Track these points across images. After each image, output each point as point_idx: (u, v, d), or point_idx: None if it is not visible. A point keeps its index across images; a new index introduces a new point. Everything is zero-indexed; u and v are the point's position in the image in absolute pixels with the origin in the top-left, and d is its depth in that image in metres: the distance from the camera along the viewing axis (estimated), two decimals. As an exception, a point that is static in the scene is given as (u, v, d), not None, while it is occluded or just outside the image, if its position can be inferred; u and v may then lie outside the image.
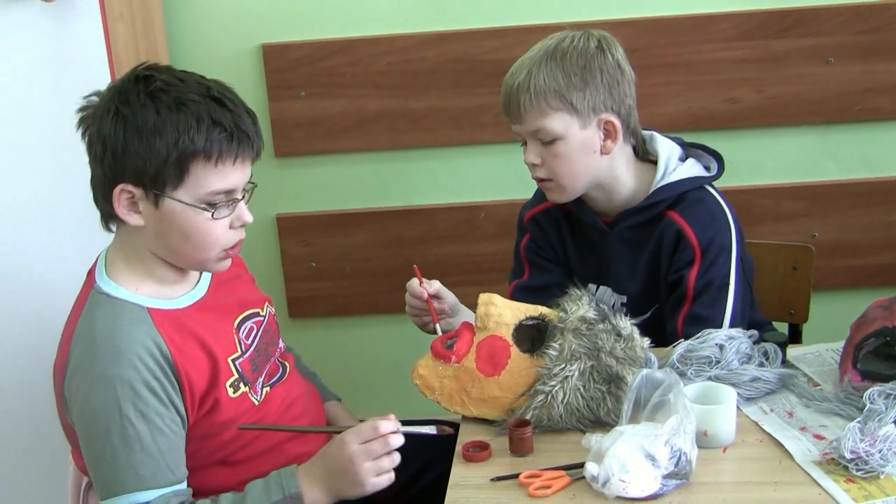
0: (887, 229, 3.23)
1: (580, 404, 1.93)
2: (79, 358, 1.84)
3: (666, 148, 2.30)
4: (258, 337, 2.01)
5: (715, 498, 1.72)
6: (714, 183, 2.32)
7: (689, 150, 2.36)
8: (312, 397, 2.13)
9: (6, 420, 2.75)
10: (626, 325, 2.00)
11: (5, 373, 2.73)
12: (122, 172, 1.82)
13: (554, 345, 1.96)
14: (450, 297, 2.30)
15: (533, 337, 2.05)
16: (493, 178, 3.27)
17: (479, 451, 1.89)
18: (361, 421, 1.89)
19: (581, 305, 2.00)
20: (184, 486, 1.86)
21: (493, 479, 1.82)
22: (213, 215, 1.85)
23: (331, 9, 3.19)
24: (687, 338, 2.09)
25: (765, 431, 1.90)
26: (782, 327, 2.56)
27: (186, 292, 1.95)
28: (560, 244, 2.41)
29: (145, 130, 1.79)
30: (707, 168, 2.33)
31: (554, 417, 1.93)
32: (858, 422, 1.79)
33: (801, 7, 3.08)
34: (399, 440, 1.84)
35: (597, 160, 2.23)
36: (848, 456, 1.74)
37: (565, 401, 1.92)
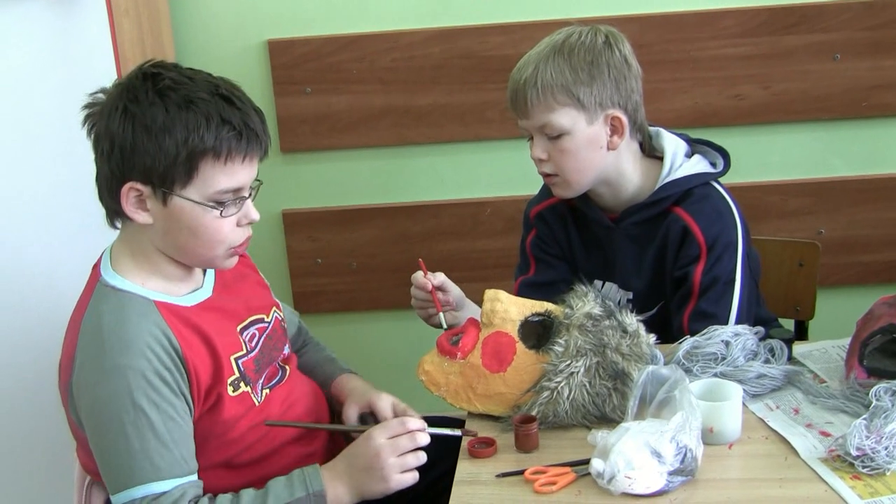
0: (894, 226, 3.23)
1: (586, 401, 1.93)
2: (87, 350, 1.83)
3: (672, 144, 2.30)
4: (261, 342, 2.01)
5: (720, 494, 1.72)
6: (720, 179, 2.31)
7: (695, 146, 2.36)
8: (315, 397, 2.12)
9: (9, 417, 2.76)
10: (632, 321, 2.00)
11: (8, 369, 2.73)
12: (131, 170, 1.81)
13: (560, 341, 1.96)
14: (455, 289, 2.30)
15: (538, 333, 2.05)
16: (498, 174, 3.27)
17: (484, 448, 1.89)
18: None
19: (587, 302, 2.00)
20: (196, 477, 1.85)
21: (498, 476, 1.82)
22: (221, 213, 1.85)
23: (337, 4, 3.19)
24: (693, 334, 2.09)
25: (770, 428, 1.90)
26: (788, 324, 2.56)
27: (191, 291, 1.95)
28: (566, 240, 2.41)
29: (154, 128, 1.79)
30: (713, 164, 2.32)
31: (559, 414, 1.93)
32: (864, 419, 1.78)
33: (808, 3, 3.08)
34: (426, 439, 1.85)
35: (603, 156, 2.23)
36: (854, 453, 1.73)
37: (571, 397, 1.92)
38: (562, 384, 1.92)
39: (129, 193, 1.83)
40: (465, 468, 1.86)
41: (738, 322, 2.18)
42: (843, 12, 3.06)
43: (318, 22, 3.20)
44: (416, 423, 1.87)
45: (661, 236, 2.27)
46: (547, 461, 1.83)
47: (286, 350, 2.11)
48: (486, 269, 3.26)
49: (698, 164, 2.29)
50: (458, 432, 1.92)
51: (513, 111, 2.26)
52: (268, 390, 2.00)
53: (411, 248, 3.31)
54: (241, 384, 1.93)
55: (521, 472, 1.81)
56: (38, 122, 2.68)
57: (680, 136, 2.34)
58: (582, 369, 1.93)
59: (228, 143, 1.81)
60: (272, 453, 1.97)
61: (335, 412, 2.17)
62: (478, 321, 2.06)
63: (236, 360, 1.93)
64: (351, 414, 2.06)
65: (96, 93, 1.90)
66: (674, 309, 2.26)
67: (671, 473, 1.71)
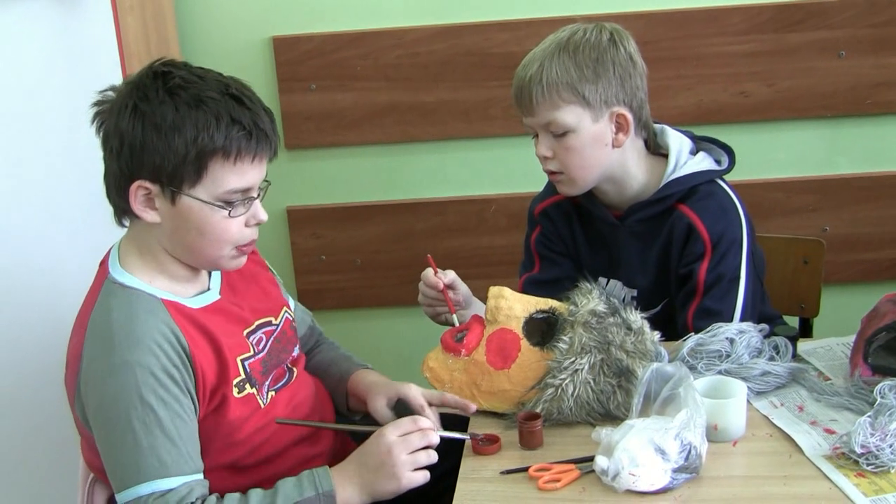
0: (898, 223, 3.23)
1: (590, 398, 1.93)
2: (95, 346, 1.83)
3: (677, 141, 2.30)
4: (269, 345, 2.01)
5: (725, 492, 1.72)
6: (725, 176, 2.31)
7: (700, 143, 2.36)
8: (320, 399, 2.12)
9: (14, 414, 2.76)
10: (637, 318, 2.00)
11: (12, 366, 2.73)
12: (140, 169, 1.81)
13: (564, 338, 1.96)
14: (463, 287, 2.30)
15: (543, 330, 2.05)
16: (503, 171, 3.27)
17: (488, 444, 1.90)
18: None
19: (591, 299, 2.00)
20: (202, 476, 1.84)
21: (502, 473, 1.82)
22: (229, 213, 1.84)
23: (342, 1, 3.19)
24: (697, 331, 2.09)
25: (775, 425, 1.90)
26: (793, 321, 2.56)
27: (197, 293, 1.94)
28: (570, 237, 2.41)
29: (164, 127, 1.79)
30: (718, 162, 2.32)
31: (564, 411, 1.93)
32: (869, 416, 1.78)
33: (813, 0, 3.07)
34: (437, 437, 1.85)
35: (608, 153, 2.23)
36: (858, 450, 1.73)
37: (575, 394, 1.92)
38: (566, 381, 1.92)
39: (138, 192, 1.83)
40: (469, 465, 1.86)
41: (742, 319, 2.18)
42: (847, 9, 3.06)
43: (323, 18, 3.20)
44: (427, 422, 1.87)
45: (665, 233, 2.27)
46: (551, 458, 1.84)
47: (295, 352, 2.10)
48: (491, 266, 3.25)
49: (703, 162, 2.29)
50: (465, 436, 1.92)
51: (518, 109, 2.26)
52: (273, 392, 1.99)
53: (416, 244, 3.31)
54: (247, 386, 1.92)
55: (525, 469, 1.81)
56: (42, 119, 2.68)
57: (685, 133, 2.34)
58: (586, 366, 1.93)
59: (238, 142, 1.81)
60: (277, 455, 1.97)
61: (341, 412, 2.16)
62: (482, 318, 2.07)
63: (243, 361, 1.92)
64: (378, 406, 2.04)
65: (106, 90, 1.90)
66: (678, 306, 2.26)
67: (675, 470, 1.71)
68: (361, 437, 1.92)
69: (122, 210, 1.89)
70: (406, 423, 1.87)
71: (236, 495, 1.82)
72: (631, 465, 1.70)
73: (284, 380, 2.04)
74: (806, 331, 2.63)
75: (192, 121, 1.79)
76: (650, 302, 2.25)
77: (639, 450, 1.70)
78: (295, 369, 2.08)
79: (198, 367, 1.84)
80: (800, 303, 2.63)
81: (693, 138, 2.35)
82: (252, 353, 1.95)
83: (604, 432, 1.77)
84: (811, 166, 3.22)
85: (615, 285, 2.34)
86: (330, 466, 1.87)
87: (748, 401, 1.91)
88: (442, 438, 1.89)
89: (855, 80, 3.12)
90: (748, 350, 2.04)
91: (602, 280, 2.34)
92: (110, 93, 1.88)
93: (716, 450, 1.80)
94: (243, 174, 1.83)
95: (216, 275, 2.00)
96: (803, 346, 2.15)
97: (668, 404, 1.79)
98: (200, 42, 3.23)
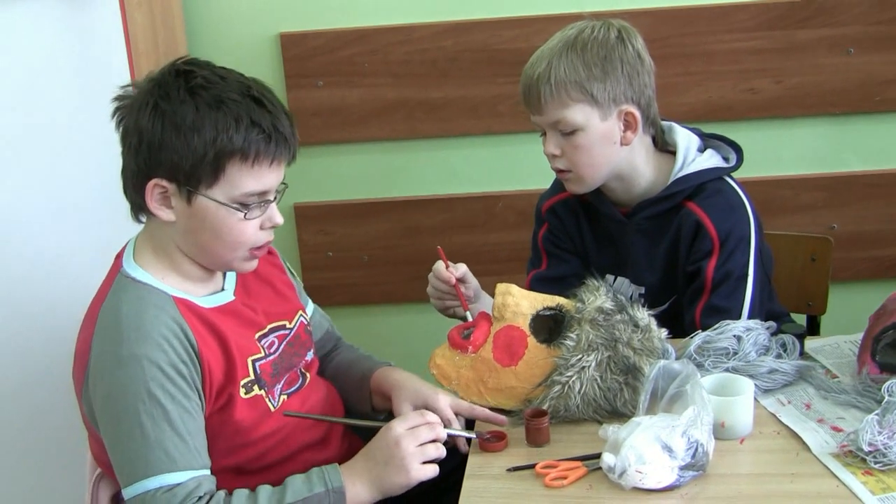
0: (907, 221, 3.22)
1: (597, 395, 1.93)
2: (104, 339, 1.83)
3: (685, 138, 2.29)
4: (281, 348, 2.01)
5: (731, 489, 1.72)
6: (733, 174, 2.31)
7: (708, 140, 2.35)
8: (331, 404, 2.11)
9: (23, 408, 2.76)
10: (644, 315, 2.00)
11: (21, 360, 2.74)
12: (157, 167, 1.81)
13: (571, 335, 1.96)
14: (474, 281, 2.29)
15: (550, 327, 2.05)
16: (511, 167, 3.27)
17: (495, 441, 1.90)
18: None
19: (598, 296, 2.00)
20: (209, 472, 1.84)
21: (509, 470, 1.82)
22: (245, 216, 1.84)
23: (349, -2, 3.20)
24: (705, 329, 2.09)
25: (782, 423, 1.90)
26: (800, 319, 2.56)
27: (210, 293, 1.94)
28: (578, 234, 2.41)
29: (184, 127, 1.79)
30: (726, 159, 2.32)
31: (571, 408, 1.93)
32: (876, 414, 1.78)
33: (822, -3, 3.07)
34: (445, 432, 1.85)
35: (616, 151, 2.23)
36: (866, 448, 1.73)
37: (582, 391, 1.92)
38: (573, 378, 1.92)
39: (154, 190, 1.83)
40: (475, 462, 1.87)
41: (750, 317, 2.18)
42: (856, 6, 3.05)
43: (330, 15, 3.20)
44: (435, 416, 1.87)
45: (673, 231, 2.26)
46: (558, 455, 1.84)
47: (309, 356, 2.09)
48: (498, 263, 3.25)
49: (711, 159, 2.29)
50: (472, 434, 1.92)
51: (526, 107, 2.26)
52: (285, 396, 1.99)
53: (423, 241, 3.31)
54: (255, 387, 1.92)
55: (531, 467, 1.81)
56: (50, 116, 2.68)
57: (693, 130, 2.34)
58: (593, 364, 1.93)
59: (257, 145, 1.81)
60: (285, 460, 1.96)
61: (365, 414, 2.13)
62: (489, 315, 2.07)
63: (253, 362, 1.92)
64: (404, 411, 1.99)
65: (127, 86, 1.90)
66: (686, 303, 2.26)
67: (682, 468, 1.71)
68: (369, 437, 1.92)
69: (139, 207, 1.89)
70: (414, 416, 1.87)
71: (245, 491, 1.82)
72: (638, 462, 1.70)
73: (298, 384, 2.03)
74: (813, 328, 2.63)
75: (211, 121, 1.79)
76: (657, 299, 2.25)
77: (646, 447, 1.70)
78: (308, 374, 2.08)
79: (205, 364, 1.84)
80: (807, 300, 2.63)
81: (701, 135, 2.34)
82: (263, 354, 1.95)
83: (611, 429, 1.77)
84: (819, 163, 3.22)
85: (622, 282, 2.34)
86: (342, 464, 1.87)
87: (755, 398, 1.91)
88: (449, 436, 1.90)
89: (864, 77, 3.11)
90: (755, 347, 2.04)
91: (609, 277, 2.34)
92: (131, 88, 1.88)
93: (723, 447, 1.80)
94: (261, 177, 1.83)
95: (231, 276, 2.00)
96: (811, 343, 2.15)
97: (675, 402, 1.79)
98: (208, 38, 3.23)
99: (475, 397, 2.01)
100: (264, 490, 1.82)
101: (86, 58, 2.70)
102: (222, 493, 1.82)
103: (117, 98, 1.89)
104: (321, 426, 2.04)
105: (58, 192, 2.71)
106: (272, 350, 1.97)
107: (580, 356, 1.93)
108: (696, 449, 1.72)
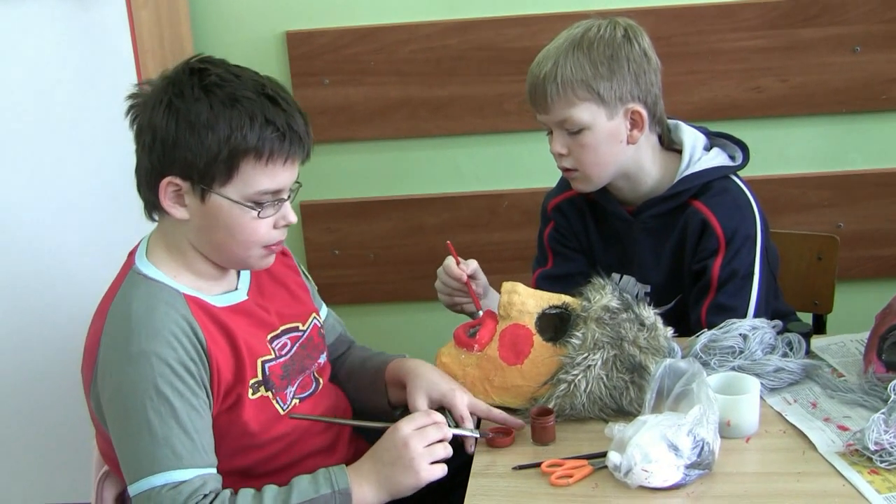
0: (913, 220, 3.22)
1: (603, 393, 1.93)
2: (113, 335, 1.83)
3: (691, 137, 2.29)
4: (293, 350, 2.00)
5: (737, 488, 1.72)
6: (739, 172, 2.31)
7: (714, 139, 2.35)
8: (342, 410, 2.11)
9: (30, 406, 2.77)
10: (650, 314, 2.00)
11: (29, 358, 2.74)
12: (171, 165, 1.81)
13: (577, 334, 1.96)
14: (483, 278, 2.28)
15: (556, 326, 2.05)
16: (516, 166, 3.27)
17: (502, 437, 1.90)
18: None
19: (604, 294, 1.99)
20: (216, 471, 1.83)
21: (515, 468, 1.82)
22: (258, 214, 1.84)
23: (355, -4, 3.20)
24: (710, 327, 2.09)
25: (788, 422, 1.89)
26: (806, 317, 2.55)
27: (223, 292, 1.94)
28: (584, 233, 2.41)
29: (198, 125, 1.78)
30: (732, 157, 2.32)
31: (576, 406, 1.93)
32: (883, 413, 1.78)
33: (827, -5, 3.06)
34: (451, 431, 1.85)
35: (623, 150, 2.23)
36: (872, 447, 1.73)
37: (588, 390, 1.92)
38: (579, 377, 1.92)
39: (168, 188, 1.83)
40: (481, 460, 1.87)
41: (756, 315, 2.18)
42: (862, 4, 3.05)
43: (336, 13, 3.20)
44: (441, 416, 1.86)
45: (679, 229, 2.26)
46: (563, 454, 1.84)
47: (321, 359, 2.09)
48: (504, 262, 3.25)
49: (717, 158, 2.29)
50: (477, 433, 1.92)
51: (532, 106, 2.25)
52: (297, 401, 1.99)
53: (428, 240, 3.31)
54: (262, 388, 1.91)
55: (537, 465, 1.81)
56: (56, 113, 2.69)
57: (699, 129, 2.34)
58: (599, 362, 1.93)
59: (271, 143, 1.81)
60: (293, 464, 1.95)
61: (382, 410, 2.12)
62: (495, 313, 2.07)
63: (263, 363, 1.92)
64: (419, 403, 1.96)
65: (142, 84, 1.90)
66: (692, 302, 2.26)
67: (688, 467, 1.71)
68: (375, 440, 1.91)
69: (152, 204, 1.89)
70: (420, 416, 1.86)
71: (250, 490, 1.81)
72: (643, 461, 1.70)
73: (311, 389, 2.03)
74: (819, 327, 2.63)
75: (225, 119, 1.78)
76: (663, 298, 2.24)
77: (651, 446, 1.70)
78: (321, 379, 2.07)
79: (213, 362, 1.84)
80: (813, 299, 2.63)
81: (707, 134, 2.34)
82: (274, 356, 1.94)
83: (616, 428, 1.77)
84: (825, 162, 3.21)
85: (628, 281, 2.34)
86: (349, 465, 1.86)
87: (761, 397, 1.91)
88: (455, 436, 1.89)
89: (870, 76, 3.11)
90: (761, 346, 2.03)
91: (615, 276, 2.34)
92: (146, 86, 1.88)
93: (729, 446, 1.80)
94: (275, 176, 1.83)
95: (245, 275, 2.00)
96: (817, 342, 2.15)
97: (680, 400, 1.79)
98: (214, 37, 3.23)
99: (481, 396, 2.00)
100: (270, 490, 1.81)
101: (92, 56, 2.71)
102: (227, 491, 1.81)
103: (131, 96, 1.88)
104: (330, 432, 2.04)
105: (64, 189, 2.71)
106: (284, 352, 1.97)
107: (586, 354, 1.93)
108: (702, 448, 1.71)
